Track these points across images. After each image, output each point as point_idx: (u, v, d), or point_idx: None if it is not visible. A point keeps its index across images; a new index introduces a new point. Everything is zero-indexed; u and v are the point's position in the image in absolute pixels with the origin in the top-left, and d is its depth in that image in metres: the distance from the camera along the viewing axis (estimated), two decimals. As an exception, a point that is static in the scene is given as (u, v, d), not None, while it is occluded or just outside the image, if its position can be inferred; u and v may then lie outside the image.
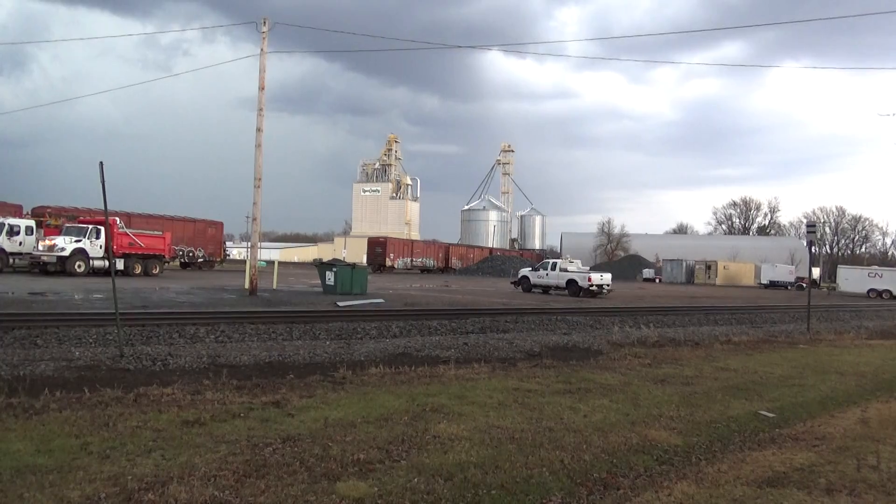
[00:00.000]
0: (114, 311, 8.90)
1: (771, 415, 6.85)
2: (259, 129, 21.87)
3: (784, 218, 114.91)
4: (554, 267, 29.74)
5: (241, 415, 5.75)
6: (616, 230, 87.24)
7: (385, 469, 4.52)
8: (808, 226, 20.12)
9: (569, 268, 29.66)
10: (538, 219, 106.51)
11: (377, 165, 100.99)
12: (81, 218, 30.99)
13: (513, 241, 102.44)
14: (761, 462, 5.22)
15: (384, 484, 4.25)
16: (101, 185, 8.82)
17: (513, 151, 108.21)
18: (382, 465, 4.60)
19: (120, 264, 28.09)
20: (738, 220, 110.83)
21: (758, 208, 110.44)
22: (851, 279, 52.19)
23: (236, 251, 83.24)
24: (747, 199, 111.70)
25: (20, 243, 28.11)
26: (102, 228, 27.20)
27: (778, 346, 12.81)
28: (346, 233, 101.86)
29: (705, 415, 6.67)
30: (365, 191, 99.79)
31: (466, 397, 6.84)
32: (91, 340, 9.58)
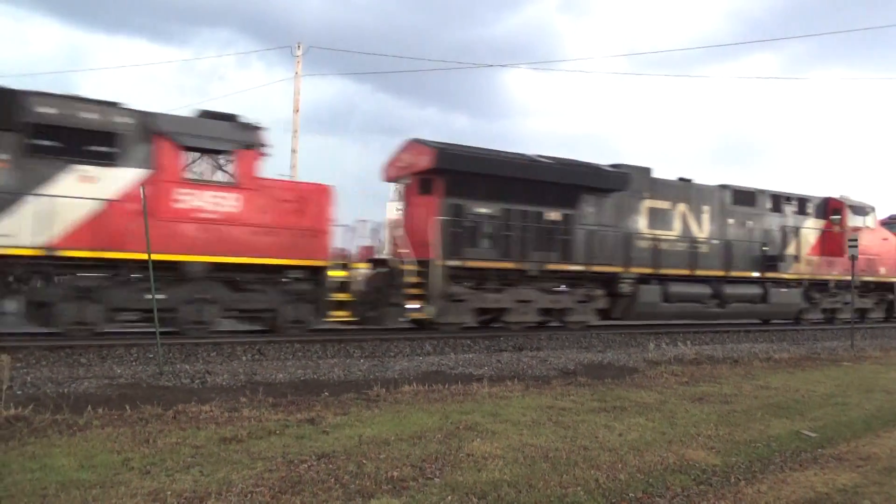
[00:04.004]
0: (154, 329, 9.12)
1: (813, 434, 6.67)
2: (294, 151, 22.30)
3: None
4: None
5: (277, 432, 5.83)
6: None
7: (419, 487, 4.53)
8: (849, 240, 19.72)
9: None
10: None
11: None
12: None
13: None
14: (803, 483, 5.09)
15: (418, 502, 4.27)
16: (142, 209, 9.17)
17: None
18: (416, 482, 4.62)
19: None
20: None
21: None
22: None
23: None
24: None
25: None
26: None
27: (820, 364, 12.48)
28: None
29: (745, 434, 6.54)
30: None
31: (500, 415, 6.82)
32: (132, 359, 9.81)
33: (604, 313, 16.06)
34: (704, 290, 17.17)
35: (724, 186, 18.09)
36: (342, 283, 12.62)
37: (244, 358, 10.47)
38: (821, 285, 19.88)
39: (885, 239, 21.38)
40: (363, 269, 13.11)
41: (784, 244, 19.01)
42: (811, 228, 19.84)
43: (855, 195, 21.31)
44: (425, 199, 13.95)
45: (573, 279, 15.24)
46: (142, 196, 9.25)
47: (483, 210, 14.11)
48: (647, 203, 16.47)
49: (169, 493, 4.20)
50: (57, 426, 5.75)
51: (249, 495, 4.23)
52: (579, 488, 4.66)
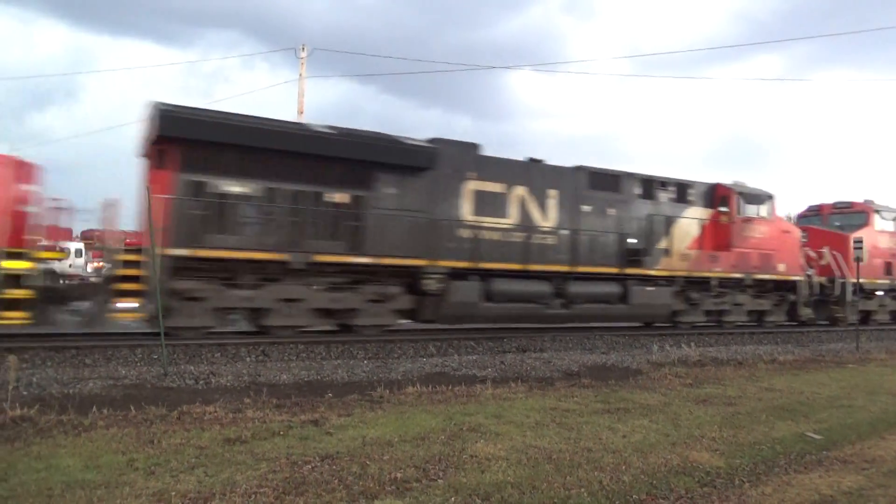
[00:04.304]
0: (159, 330, 9.15)
1: (818, 436, 6.66)
2: (298, 152, 22.30)
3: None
4: None
5: (281, 433, 5.85)
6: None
7: (422, 488, 4.54)
8: (855, 241, 19.12)
9: None
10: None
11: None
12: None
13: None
14: (807, 485, 5.08)
15: (421, 503, 4.27)
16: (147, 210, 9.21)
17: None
18: (420, 483, 4.63)
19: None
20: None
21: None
22: None
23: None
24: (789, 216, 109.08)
25: (70, 265, 29.14)
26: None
27: (825, 366, 12.45)
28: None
29: (749, 436, 6.53)
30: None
31: (503, 417, 6.83)
32: (137, 360, 9.84)
33: (411, 314, 13.49)
34: (543, 287, 14.31)
35: (579, 168, 15.37)
36: (17, 276, 9.85)
37: (248, 359, 10.50)
38: (703, 283, 16.92)
39: (785, 231, 18.61)
40: (56, 258, 10.48)
41: (655, 236, 16.00)
42: (692, 218, 16.81)
43: (751, 182, 18.28)
44: (158, 175, 11.11)
45: (369, 274, 12.57)
46: (147, 195, 9.28)
47: (236, 189, 11.42)
48: (472, 185, 13.65)
49: (173, 493, 4.21)
50: (62, 427, 5.78)
51: (253, 496, 4.24)
52: (583, 490, 4.66)
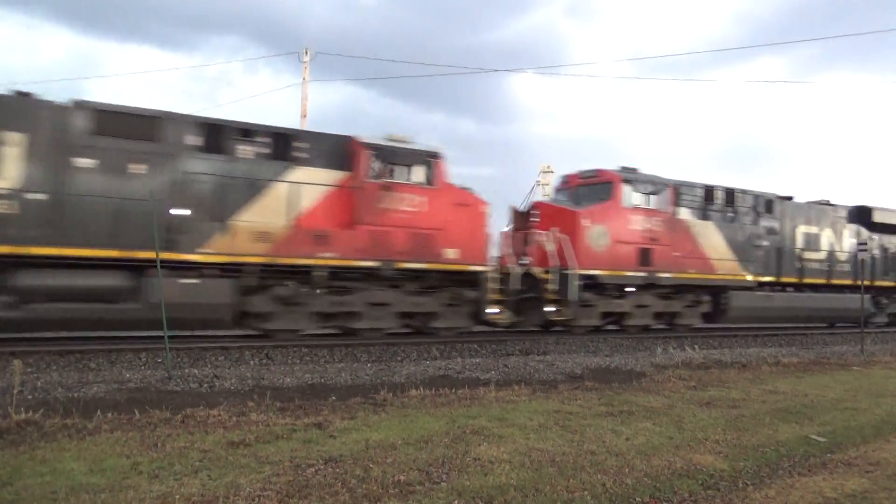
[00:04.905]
0: (163, 334, 9.17)
1: (822, 439, 6.64)
2: (301, 156, 22.33)
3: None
4: None
5: (285, 436, 5.85)
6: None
7: (425, 491, 4.54)
8: (859, 243, 18.90)
9: None
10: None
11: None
12: None
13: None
14: (811, 488, 5.07)
15: (424, 506, 4.27)
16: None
17: (552, 172, 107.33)
18: (423, 486, 4.63)
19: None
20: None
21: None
22: None
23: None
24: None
25: None
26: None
27: (830, 368, 12.42)
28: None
29: (753, 439, 6.52)
30: None
31: (507, 419, 6.83)
32: (141, 363, 9.87)
33: None
34: None
35: (77, 105, 10.53)
36: None
37: (252, 362, 10.52)
38: (301, 274, 11.98)
39: (460, 205, 13.41)
40: None
41: (216, 206, 11.31)
42: (295, 182, 11.90)
43: (410, 134, 13.62)
44: None
45: None
46: (150, 195, 9.32)
47: None
48: None
49: (177, 497, 4.22)
50: (67, 430, 5.79)
51: (257, 499, 4.25)
52: (586, 493, 4.66)
